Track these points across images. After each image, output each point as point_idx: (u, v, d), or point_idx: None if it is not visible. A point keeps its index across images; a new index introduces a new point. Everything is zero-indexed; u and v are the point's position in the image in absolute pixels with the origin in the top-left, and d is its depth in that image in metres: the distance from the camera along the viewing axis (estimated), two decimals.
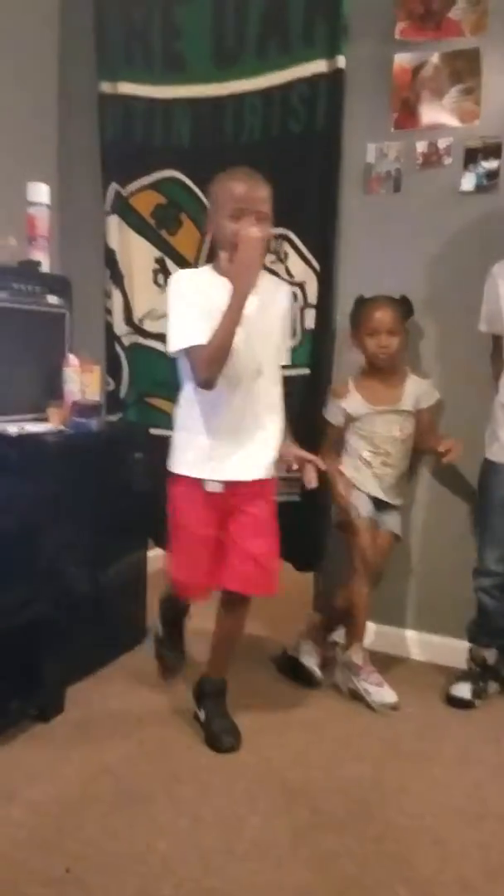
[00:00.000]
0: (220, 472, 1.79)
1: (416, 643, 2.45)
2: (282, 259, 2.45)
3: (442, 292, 2.31)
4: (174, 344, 1.73)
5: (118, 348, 2.77)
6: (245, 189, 1.72)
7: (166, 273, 2.70)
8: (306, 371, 2.43)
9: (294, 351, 2.15)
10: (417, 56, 2.27)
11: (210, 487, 1.79)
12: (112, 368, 2.78)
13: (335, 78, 2.33)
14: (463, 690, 2.12)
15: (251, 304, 1.67)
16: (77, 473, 2.11)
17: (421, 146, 2.29)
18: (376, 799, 1.68)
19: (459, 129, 2.25)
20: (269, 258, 2.39)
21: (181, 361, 1.80)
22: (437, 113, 2.27)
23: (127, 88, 2.67)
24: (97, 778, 1.72)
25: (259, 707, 2.07)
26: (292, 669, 2.25)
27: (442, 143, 2.27)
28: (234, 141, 2.52)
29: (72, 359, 2.28)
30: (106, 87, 2.69)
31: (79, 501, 2.12)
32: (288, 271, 2.45)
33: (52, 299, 2.32)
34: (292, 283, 2.38)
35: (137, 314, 2.76)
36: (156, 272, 2.73)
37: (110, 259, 2.73)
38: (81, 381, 2.26)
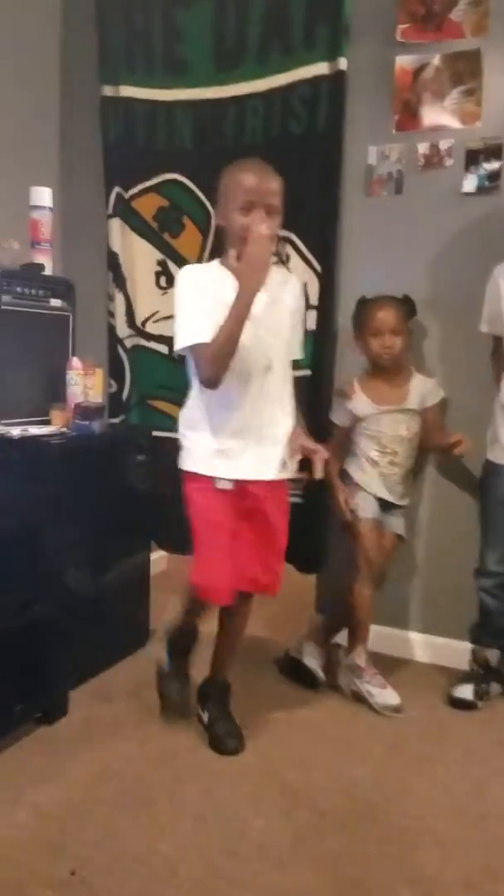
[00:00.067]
0: (232, 470, 1.76)
1: (419, 645, 2.45)
2: (283, 260, 2.45)
3: (443, 294, 2.31)
4: (179, 342, 1.72)
5: (121, 351, 2.78)
6: (256, 181, 1.68)
7: (168, 276, 2.71)
8: (307, 372, 2.43)
9: None
10: (418, 58, 2.27)
11: (221, 485, 1.76)
12: (115, 371, 2.78)
13: (336, 80, 2.33)
14: (465, 692, 2.13)
15: (260, 299, 1.64)
16: (80, 475, 2.11)
17: (422, 148, 2.30)
18: (379, 800, 1.68)
19: (461, 130, 2.25)
20: (272, 259, 2.39)
21: (188, 359, 1.79)
22: (438, 114, 2.27)
23: (129, 91, 2.67)
24: (101, 780, 1.73)
25: (261, 709, 2.07)
26: (294, 671, 2.26)
27: (443, 145, 2.27)
28: (236, 143, 2.52)
29: (75, 361, 2.28)
30: (108, 90, 2.70)
31: (81, 503, 2.13)
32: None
33: (56, 302, 2.32)
34: None
35: (140, 317, 2.76)
36: (158, 275, 2.73)
37: (113, 262, 2.74)
38: (84, 383, 2.27)
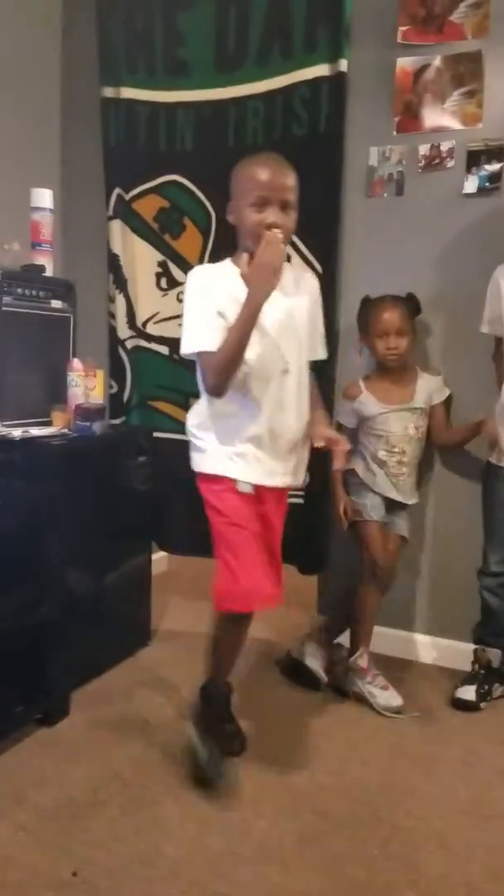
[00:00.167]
0: (250, 473, 1.69)
1: (422, 646, 2.44)
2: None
3: (444, 295, 2.31)
4: (185, 347, 1.67)
5: (121, 352, 2.78)
6: (270, 175, 1.60)
7: (169, 277, 2.71)
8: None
9: None
10: (419, 59, 2.28)
11: (242, 488, 1.68)
12: (115, 372, 2.78)
13: (337, 81, 2.34)
14: (468, 693, 2.12)
15: (275, 301, 1.58)
16: (81, 477, 2.11)
17: (423, 149, 2.30)
18: (382, 802, 1.68)
19: (462, 131, 2.25)
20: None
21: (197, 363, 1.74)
22: (439, 116, 2.27)
23: (129, 93, 2.67)
24: (104, 782, 1.72)
25: (264, 711, 2.07)
26: (296, 672, 2.25)
27: (444, 146, 2.27)
28: (237, 144, 2.52)
29: (75, 362, 2.28)
30: (108, 91, 2.70)
31: (82, 504, 2.12)
32: None
33: (56, 303, 2.32)
34: None
35: (141, 318, 2.76)
36: (159, 276, 2.73)
37: (113, 263, 2.74)
38: (85, 384, 2.27)
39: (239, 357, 1.57)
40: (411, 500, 2.26)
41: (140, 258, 2.73)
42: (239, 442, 1.68)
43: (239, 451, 1.68)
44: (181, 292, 2.67)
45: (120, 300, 2.75)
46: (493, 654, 2.16)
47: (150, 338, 2.76)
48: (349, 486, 2.24)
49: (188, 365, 2.79)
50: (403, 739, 1.96)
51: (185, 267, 2.67)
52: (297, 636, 2.35)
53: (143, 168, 2.68)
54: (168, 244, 2.70)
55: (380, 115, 2.34)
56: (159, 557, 2.92)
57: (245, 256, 1.63)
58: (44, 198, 2.39)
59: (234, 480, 1.67)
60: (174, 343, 2.71)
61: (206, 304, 1.62)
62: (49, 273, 2.37)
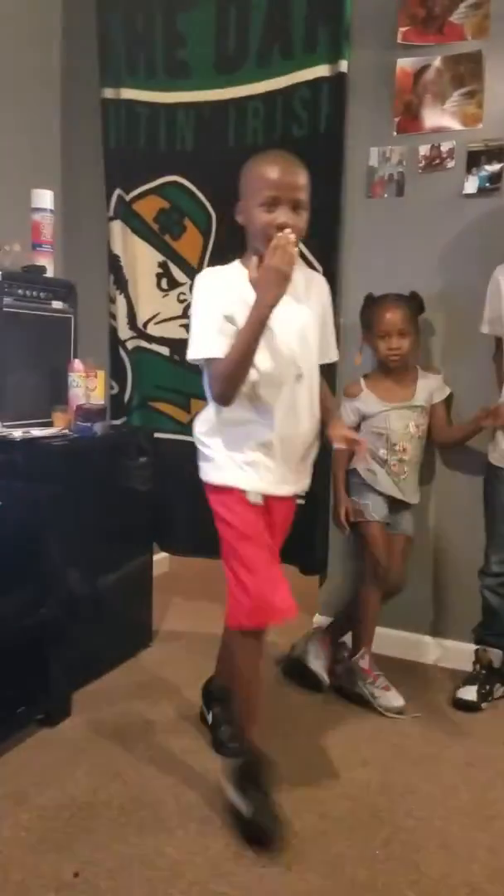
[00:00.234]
0: (260, 483, 1.62)
1: (423, 647, 2.44)
2: None
3: (445, 295, 2.31)
4: (192, 352, 1.60)
5: (122, 352, 2.78)
6: (281, 174, 1.53)
7: (170, 278, 2.71)
8: None
9: None
10: (420, 60, 2.28)
11: (252, 499, 1.61)
12: (116, 373, 2.78)
13: (337, 81, 2.34)
14: (469, 693, 2.12)
15: (286, 304, 1.51)
16: (82, 477, 2.11)
17: (424, 150, 2.30)
18: (383, 802, 1.68)
19: (462, 132, 2.25)
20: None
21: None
22: (439, 116, 2.28)
23: (130, 94, 2.68)
24: (105, 782, 1.72)
25: (265, 711, 2.06)
26: (299, 674, 2.25)
27: (445, 147, 2.27)
28: (237, 145, 2.52)
29: (76, 363, 2.28)
30: (109, 92, 2.70)
31: (83, 505, 2.12)
32: None
33: (57, 304, 2.33)
34: None
35: (141, 318, 2.76)
36: (159, 277, 2.73)
37: (114, 264, 2.74)
38: (86, 385, 2.27)
39: (246, 365, 1.51)
40: (413, 500, 2.26)
41: (140, 259, 2.74)
42: (249, 450, 1.61)
43: (249, 459, 1.61)
44: (182, 293, 2.70)
45: (121, 301, 2.75)
46: (495, 655, 2.16)
47: (150, 338, 2.76)
48: (350, 486, 2.24)
49: (189, 366, 2.78)
50: (405, 740, 1.96)
51: (186, 268, 2.68)
52: (299, 638, 2.35)
53: (144, 169, 2.68)
54: (168, 245, 2.70)
55: (380, 115, 2.34)
56: (160, 558, 2.92)
57: (254, 259, 1.57)
58: (44, 199, 2.39)
59: (244, 491, 1.61)
60: (175, 344, 2.72)
61: (213, 308, 1.56)
62: (50, 274, 2.37)
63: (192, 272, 2.67)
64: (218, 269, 1.66)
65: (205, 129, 2.58)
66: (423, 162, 2.31)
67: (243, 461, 1.61)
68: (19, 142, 2.64)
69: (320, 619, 2.48)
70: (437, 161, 2.29)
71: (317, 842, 1.53)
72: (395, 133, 2.34)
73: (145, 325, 2.76)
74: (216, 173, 2.56)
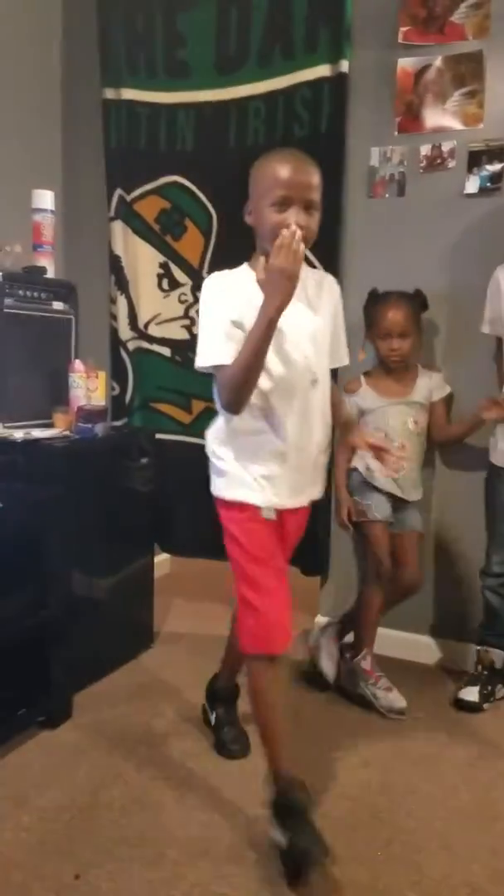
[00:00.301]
0: (275, 497, 1.55)
1: (425, 647, 2.44)
2: None
3: (446, 295, 2.30)
4: (199, 360, 1.51)
5: (123, 353, 2.78)
6: (293, 173, 1.45)
7: (171, 278, 2.71)
8: None
9: None
10: (420, 60, 2.28)
11: (266, 516, 1.54)
12: (117, 373, 2.78)
13: (338, 82, 2.34)
14: (470, 694, 2.12)
15: (297, 308, 1.46)
16: (83, 478, 2.11)
17: (425, 149, 2.30)
18: (385, 803, 1.68)
19: (463, 132, 2.25)
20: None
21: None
22: (440, 116, 2.27)
23: (130, 94, 2.68)
24: (106, 784, 1.72)
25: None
26: (309, 672, 2.23)
27: (446, 147, 2.27)
28: (238, 145, 2.52)
29: (77, 364, 2.28)
30: (109, 92, 2.70)
31: (85, 506, 2.13)
32: None
33: (58, 305, 2.33)
34: None
35: (142, 319, 2.76)
36: (160, 277, 2.73)
37: (115, 265, 2.74)
38: (87, 386, 2.27)
39: (256, 370, 1.43)
40: (413, 497, 2.25)
41: (141, 259, 2.74)
42: (262, 461, 1.54)
43: (263, 472, 1.54)
44: (182, 293, 2.70)
45: (121, 301, 2.75)
46: (496, 655, 2.16)
47: (151, 339, 2.76)
48: (352, 485, 2.24)
49: (189, 366, 2.78)
50: (406, 741, 1.95)
51: (187, 268, 2.68)
52: (299, 636, 2.34)
53: (145, 169, 2.68)
54: (169, 245, 2.70)
55: (381, 115, 2.34)
56: (162, 559, 2.92)
57: (262, 260, 1.51)
58: (45, 199, 2.39)
59: (258, 508, 1.54)
60: (176, 344, 2.73)
61: (221, 314, 1.49)
62: (50, 275, 2.37)
63: (193, 273, 2.67)
64: (225, 272, 1.59)
65: (205, 130, 2.58)
66: (424, 162, 2.31)
67: (257, 474, 1.54)
68: (20, 142, 2.64)
69: (321, 621, 2.48)
70: (439, 161, 2.29)
71: None
72: (396, 133, 2.34)
73: (146, 325, 2.76)
74: (217, 173, 2.56)
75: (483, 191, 2.23)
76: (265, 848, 1.50)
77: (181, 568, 3.18)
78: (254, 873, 1.44)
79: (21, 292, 2.19)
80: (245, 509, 1.54)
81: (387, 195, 2.37)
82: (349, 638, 2.29)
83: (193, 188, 2.63)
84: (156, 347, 2.75)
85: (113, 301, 2.76)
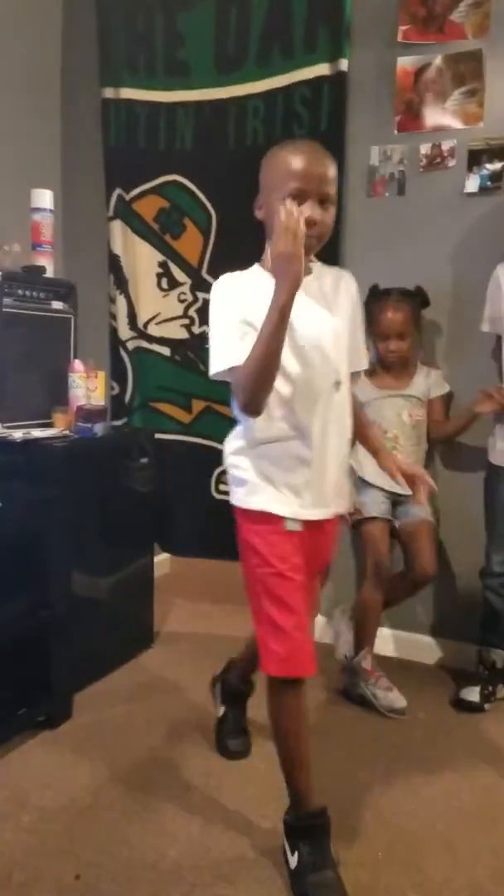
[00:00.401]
0: (302, 508, 1.45)
1: (425, 647, 2.44)
2: None
3: (446, 294, 2.30)
4: (213, 366, 1.42)
5: (123, 353, 2.78)
6: (308, 164, 1.37)
7: (170, 277, 2.71)
8: None
9: None
10: (420, 58, 2.27)
11: (291, 526, 1.45)
12: (117, 373, 2.78)
13: (338, 80, 2.34)
14: (472, 694, 2.12)
15: (314, 306, 1.41)
16: (83, 478, 2.11)
17: (424, 148, 2.29)
18: (386, 804, 1.67)
19: (463, 130, 2.25)
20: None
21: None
22: (440, 115, 2.27)
23: (129, 93, 2.68)
24: (107, 784, 1.72)
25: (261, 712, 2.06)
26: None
27: (445, 146, 2.27)
28: (238, 144, 2.52)
29: (77, 364, 2.28)
30: (109, 92, 2.70)
31: (85, 506, 2.12)
32: None
33: (57, 304, 2.32)
34: None
35: (142, 319, 2.76)
36: (159, 276, 2.73)
37: (114, 264, 2.74)
38: (86, 385, 2.26)
39: (270, 367, 1.34)
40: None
41: (141, 259, 2.73)
42: (286, 469, 1.44)
43: (287, 480, 1.44)
44: (182, 293, 2.70)
45: (121, 301, 2.75)
46: (497, 655, 2.16)
47: (151, 339, 2.76)
48: None
49: (190, 366, 2.79)
50: (407, 741, 1.95)
51: (186, 267, 2.67)
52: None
53: (144, 168, 2.68)
54: (168, 244, 2.70)
55: (381, 114, 2.34)
56: (162, 559, 2.92)
57: (268, 250, 1.44)
58: (44, 198, 2.39)
59: (282, 518, 1.44)
60: (175, 344, 2.72)
61: (232, 316, 1.41)
62: (50, 274, 2.37)
63: (192, 272, 2.67)
64: (237, 273, 1.51)
65: (205, 129, 2.58)
66: (424, 161, 2.30)
67: (281, 483, 1.45)
68: (19, 142, 2.63)
69: (321, 621, 2.48)
70: (438, 160, 2.29)
71: None
72: (395, 132, 2.34)
73: (146, 325, 2.75)
74: (216, 172, 2.56)
75: (483, 190, 2.23)
76: (265, 849, 1.50)
77: (181, 568, 3.17)
78: (254, 874, 1.44)
79: (20, 292, 2.18)
80: (268, 520, 1.45)
81: (387, 194, 2.37)
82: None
83: (193, 187, 2.63)
84: (155, 347, 2.75)
85: (112, 300, 2.76)
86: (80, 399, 2.24)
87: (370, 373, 2.27)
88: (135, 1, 2.62)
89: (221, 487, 2.69)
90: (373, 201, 2.39)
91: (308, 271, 1.43)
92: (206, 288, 2.63)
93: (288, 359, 1.38)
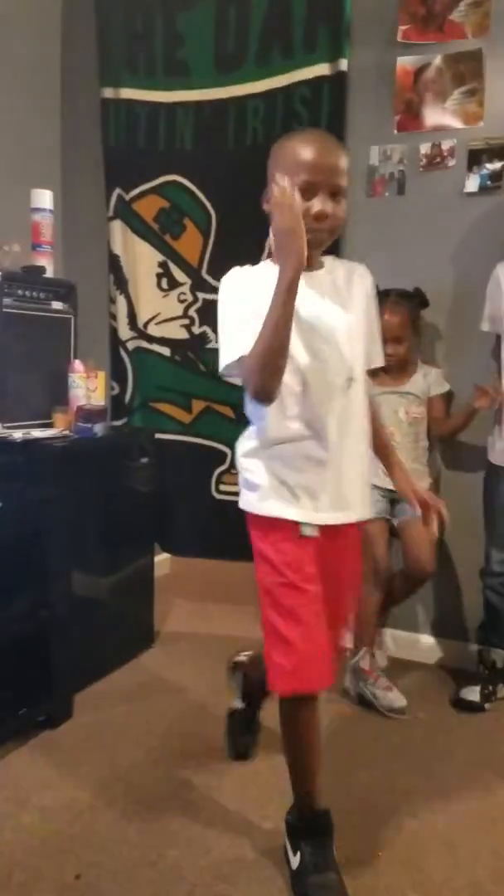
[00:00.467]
0: (318, 513, 1.38)
1: (426, 647, 2.44)
2: None
3: (446, 294, 2.30)
4: (221, 362, 1.36)
5: (123, 353, 2.78)
6: (319, 155, 1.31)
7: (170, 277, 2.71)
8: None
9: None
10: (420, 58, 2.27)
11: (307, 532, 1.37)
12: (117, 373, 2.78)
13: (337, 80, 2.34)
14: (472, 694, 2.12)
15: (325, 300, 1.36)
16: (83, 479, 2.11)
17: (424, 148, 2.29)
18: (387, 804, 1.67)
19: (463, 130, 2.25)
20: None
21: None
22: (440, 115, 2.27)
23: (129, 93, 2.68)
24: (108, 784, 1.72)
25: (268, 712, 2.05)
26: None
27: (445, 145, 2.27)
28: (238, 144, 2.53)
29: (77, 364, 2.28)
30: (108, 92, 2.70)
31: (85, 506, 2.12)
32: None
33: (57, 304, 2.32)
34: None
35: (142, 319, 2.76)
36: (159, 276, 2.73)
37: (114, 264, 2.74)
38: (86, 385, 2.26)
39: (280, 348, 1.27)
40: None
41: (141, 259, 2.73)
42: (301, 471, 1.37)
43: (302, 482, 1.37)
44: (182, 293, 2.70)
45: (121, 301, 2.75)
46: (498, 655, 2.16)
47: (151, 339, 2.76)
48: None
49: (190, 366, 2.78)
50: (407, 741, 1.95)
51: (186, 267, 2.67)
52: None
53: (143, 168, 2.68)
54: (168, 244, 2.70)
55: (381, 114, 2.34)
56: (162, 559, 2.92)
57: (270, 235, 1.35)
58: (44, 199, 2.39)
59: (296, 524, 1.37)
60: (175, 344, 2.72)
61: (241, 310, 1.35)
62: (49, 274, 2.37)
63: (192, 272, 2.67)
64: (246, 268, 1.44)
65: (204, 129, 2.58)
66: (424, 160, 2.30)
67: (295, 486, 1.37)
68: (19, 142, 2.63)
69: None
70: (438, 159, 2.29)
71: None
72: (395, 131, 2.34)
73: (146, 325, 2.76)
74: (216, 172, 2.57)
75: (483, 189, 2.23)
76: (266, 849, 1.50)
77: (181, 567, 3.17)
78: (255, 874, 1.44)
79: (20, 292, 2.18)
80: (281, 526, 1.37)
81: (386, 194, 2.37)
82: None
83: (192, 187, 2.63)
84: (155, 347, 2.75)
85: (112, 300, 2.76)
86: (80, 399, 2.24)
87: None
88: (134, 1, 2.63)
89: (222, 487, 2.69)
90: (373, 201, 2.39)
91: (319, 265, 1.41)
92: (206, 288, 2.63)
93: (300, 355, 1.33)
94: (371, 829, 1.58)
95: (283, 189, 1.25)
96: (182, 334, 2.70)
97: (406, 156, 2.33)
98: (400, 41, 2.29)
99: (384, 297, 2.21)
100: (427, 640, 2.44)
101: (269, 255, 1.40)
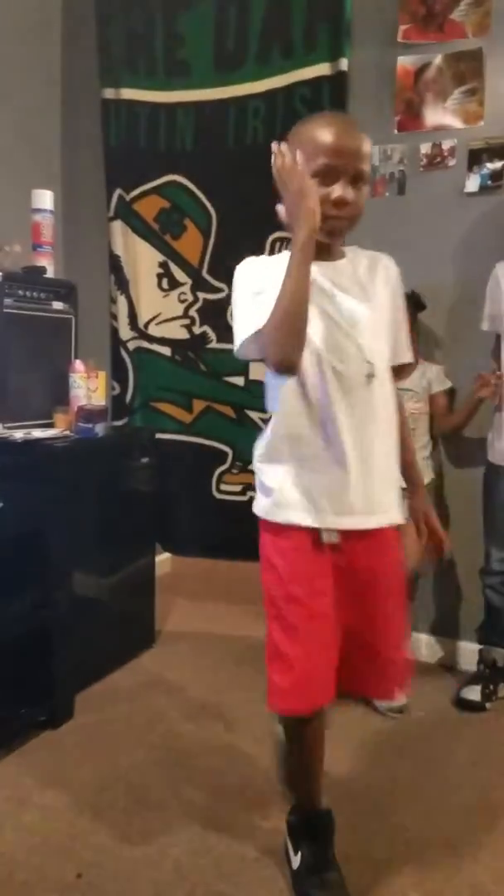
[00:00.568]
0: (337, 516, 1.28)
1: (426, 646, 2.44)
2: None
3: (446, 294, 2.30)
4: (237, 341, 1.29)
5: (123, 353, 2.78)
6: (340, 138, 1.23)
7: (170, 277, 2.71)
8: None
9: None
10: (420, 58, 2.27)
11: (327, 539, 1.28)
12: (118, 373, 2.78)
13: (338, 80, 2.34)
14: (473, 693, 2.12)
15: (346, 292, 1.30)
16: (84, 479, 2.11)
17: (425, 148, 2.29)
18: (388, 803, 1.67)
19: (463, 130, 2.25)
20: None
21: (267, 375, 1.36)
22: (440, 115, 2.27)
23: (130, 93, 2.68)
24: (109, 784, 1.72)
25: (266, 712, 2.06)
26: None
27: (446, 145, 2.27)
28: (238, 144, 2.53)
29: (77, 364, 2.28)
30: (109, 92, 2.71)
31: (86, 506, 2.12)
32: None
33: (58, 305, 2.32)
34: None
35: (143, 319, 2.76)
36: (160, 276, 2.73)
37: (115, 264, 2.74)
38: (87, 386, 2.26)
39: (298, 311, 1.21)
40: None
41: (141, 259, 2.74)
42: (319, 472, 1.28)
43: (321, 484, 1.28)
44: (182, 293, 2.70)
45: (122, 301, 2.75)
46: (498, 654, 2.16)
47: (151, 339, 2.76)
48: None
49: (190, 366, 2.79)
50: (408, 740, 1.95)
51: (186, 267, 2.68)
52: None
53: (144, 168, 2.69)
54: (169, 244, 2.70)
55: (381, 114, 2.34)
56: (163, 559, 2.92)
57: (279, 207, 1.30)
58: (44, 199, 2.39)
59: (312, 531, 1.28)
60: (176, 344, 2.73)
61: (254, 292, 1.29)
62: (50, 274, 2.37)
63: (192, 272, 2.67)
64: (262, 258, 1.37)
65: (205, 129, 2.58)
66: (425, 160, 2.30)
67: (313, 487, 1.29)
68: (19, 142, 2.64)
69: None
70: (439, 159, 2.29)
71: None
72: (396, 131, 2.34)
73: (146, 325, 2.76)
74: (216, 172, 2.57)
75: (483, 189, 2.23)
76: (267, 849, 1.50)
77: (182, 567, 3.17)
78: (256, 873, 1.44)
79: (21, 292, 2.18)
80: (294, 534, 1.29)
81: (387, 194, 2.37)
82: None
83: (193, 187, 2.63)
84: (156, 347, 2.75)
85: (113, 301, 2.76)
86: (81, 399, 2.24)
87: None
88: (135, 1, 2.63)
89: (222, 487, 2.70)
90: (373, 201, 2.37)
91: (341, 255, 1.36)
92: (207, 288, 2.64)
93: (318, 349, 1.26)
94: (372, 828, 1.58)
95: (281, 154, 1.21)
96: (183, 334, 2.71)
97: (406, 155, 2.33)
98: (400, 41, 2.29)
99: None
100: (427, 639, 2.44)
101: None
